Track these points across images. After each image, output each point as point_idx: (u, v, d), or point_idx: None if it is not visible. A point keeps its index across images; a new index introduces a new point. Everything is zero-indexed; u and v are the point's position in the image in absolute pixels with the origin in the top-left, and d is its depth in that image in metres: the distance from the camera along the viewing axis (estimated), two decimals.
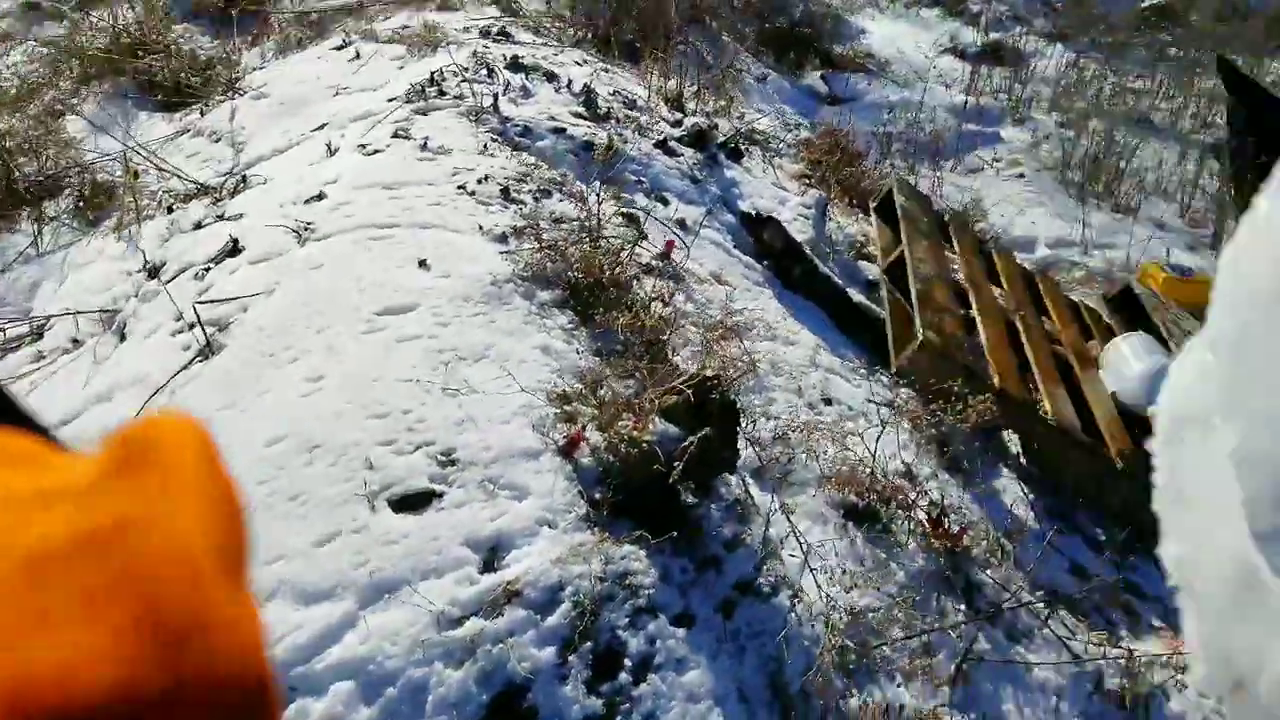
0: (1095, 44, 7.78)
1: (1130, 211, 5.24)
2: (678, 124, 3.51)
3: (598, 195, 2.52)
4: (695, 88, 4.59)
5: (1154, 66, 7.01)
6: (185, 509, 0.31)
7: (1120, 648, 2.31)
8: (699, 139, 3.42)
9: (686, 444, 1.76)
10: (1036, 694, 2.11)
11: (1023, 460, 2.86)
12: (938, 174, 5.40)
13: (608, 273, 2.36)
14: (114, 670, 0.26)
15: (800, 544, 1.97)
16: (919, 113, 5.82)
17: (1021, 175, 5.67)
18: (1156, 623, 2.54)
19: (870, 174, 4.93)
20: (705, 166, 3.35)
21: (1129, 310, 3.65)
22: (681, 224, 2.97)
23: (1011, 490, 2.74)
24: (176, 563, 0.29)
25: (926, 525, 2.29)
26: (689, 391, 1.85)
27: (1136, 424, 3.05)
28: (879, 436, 2.33)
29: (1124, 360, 3.17)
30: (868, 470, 2.31)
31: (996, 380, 2.77)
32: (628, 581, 1.72)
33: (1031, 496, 2.77)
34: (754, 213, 3.12)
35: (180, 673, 0.27)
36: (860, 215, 3.93)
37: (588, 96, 3.29)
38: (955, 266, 3.44)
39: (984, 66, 7.01)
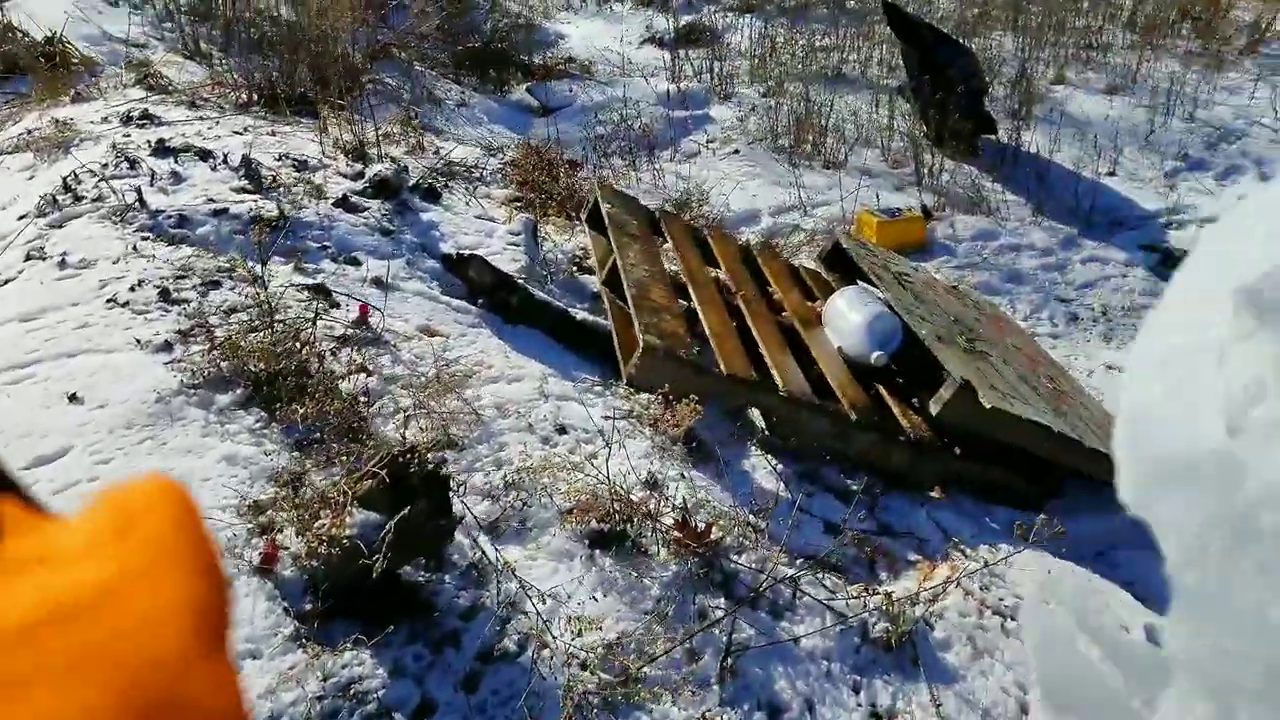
0: (781, 9, 8.19)
1: (839, 165, 5.52)
2: (359, 176, 3.38)
3: (263, 279, 2.36)
4: (384, 130, 4.46)
5: (836, 22, 7.44)
6: (166, 576, 0.30)
7: (879, 593, 2.40)
8: (383, 187, 3.30)
9: (385, 530, 1.67)
10: (807, 664, 2.16)
11: (768, 434, 2.93)
12: (656, 166, 5.50)
13: (293, 357, 2.22)
14: None
15: (537, 594, 1.91)
16: (626, 109, 5.90)
17: (736, 151, 5.87)
18: (912, 556, 2.67)
19: (587, 182, 4.96)
20: (396, 215, 3.24)
21: (843, 265, 3.82)
22: (378, 282, 2.85)
23: (761, 466, 2.80)
24: (156, 635, 0.28)
25: (673, 530, 2.29)
26: (383, 472, 1.75)
27: (869, 374, 3.21)
28: (608, 457, 2.31)
29: (841, 315, 3.32)
30: (608, 491, 2.29)
31: (723, 367, 2.82)
32: (353, 691, 1.61)
33: (780, 467, 2.84)
34: (454, 253, 3.04)
35: None
36: (579, 227, 3.92)
37: (249, 168, 3.10)
38: (675, 260, 3.50)
39: (683, 50, 7.22)
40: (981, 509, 3.03)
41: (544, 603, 1.92)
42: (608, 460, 2.32)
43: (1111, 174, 5.13)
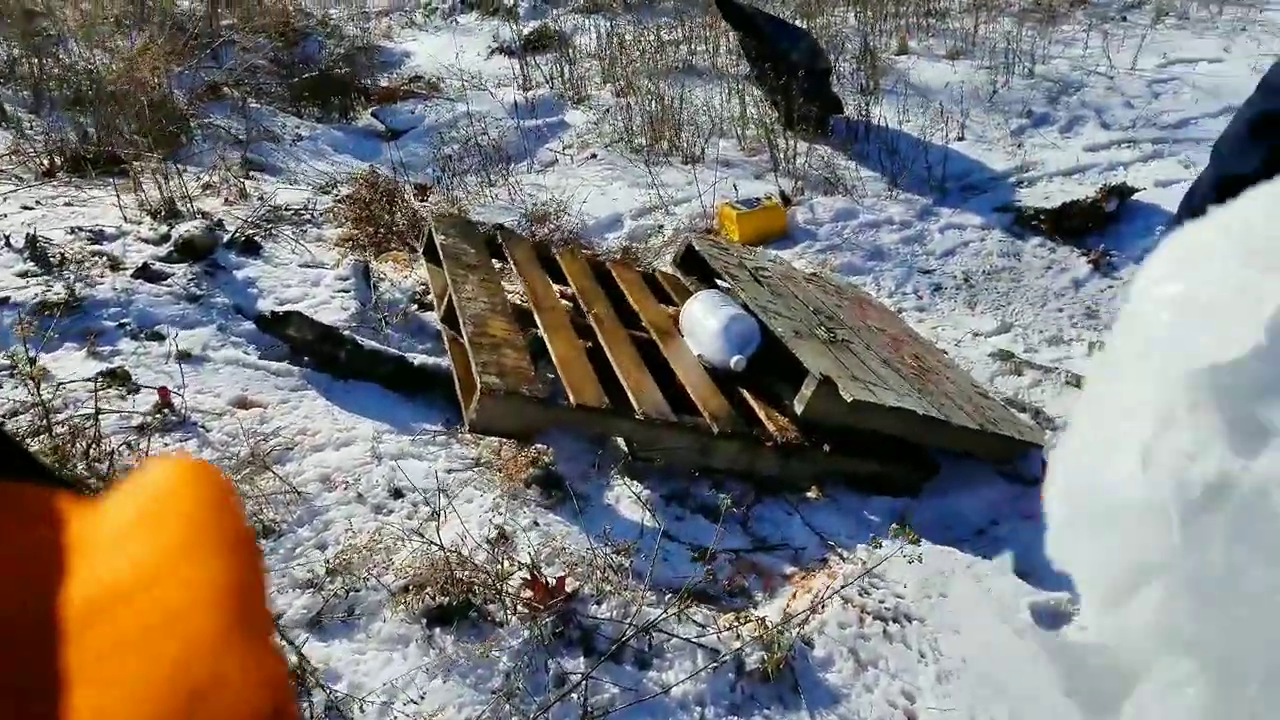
0: (627, 6, 8.08)
1: (697, 160, 5.42)
2: (164, 239, 3.12)
3: (34, 376, 2.11)
4: (206, 181, 4.19)
5: (682, 14, 7.35)
6: (202, 557, 0.31)
7: (753, 619, 2.29)
8: (189, 249, 3.05)
9: None
10: (679, 715, 2.02)
11: (632, 458, 2.78)
12: (513, 180, 5.32)
13: (75, 462, 1.98)
14: None
15: (360, 697, 1.73)
16: (475, 124, 5.70)
17: (594, 156, 5.73)
18: (788, 569, 2.56)
19: (438, 207, 4.75)
20: (207, 277, 2.99)
21: (699, 266, 3.71)
22: (186, 356, 2.61)
23: (625, 495, 2.65)
24: (195, 616, 0.29)
25: (523, 590, 2.13)
26: None
27: (734, 378, 3.09)
28: (439, 523, 2.13)
29: (698, 321, 3.20)
30: (446, 560, 2.11)
31: (572, 397, 2.66)
32: None
33: (646, 493, 2.70)
34: (270, 313, 2.82)
35: None
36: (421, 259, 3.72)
37: (34, 248, 2.82)
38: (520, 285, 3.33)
39: (532, 58, 7.04)
40: (860, 502, 2.95)
41: (371, 705, 1.73)
42: (441, 525, 2.14)
43: (960, 139, 5.15)
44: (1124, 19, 6.34)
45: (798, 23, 6.67)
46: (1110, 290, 3.94)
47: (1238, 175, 1.38)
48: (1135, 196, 4.32)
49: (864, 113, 5.34)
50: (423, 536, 2.10)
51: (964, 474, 3.09)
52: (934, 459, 3.09)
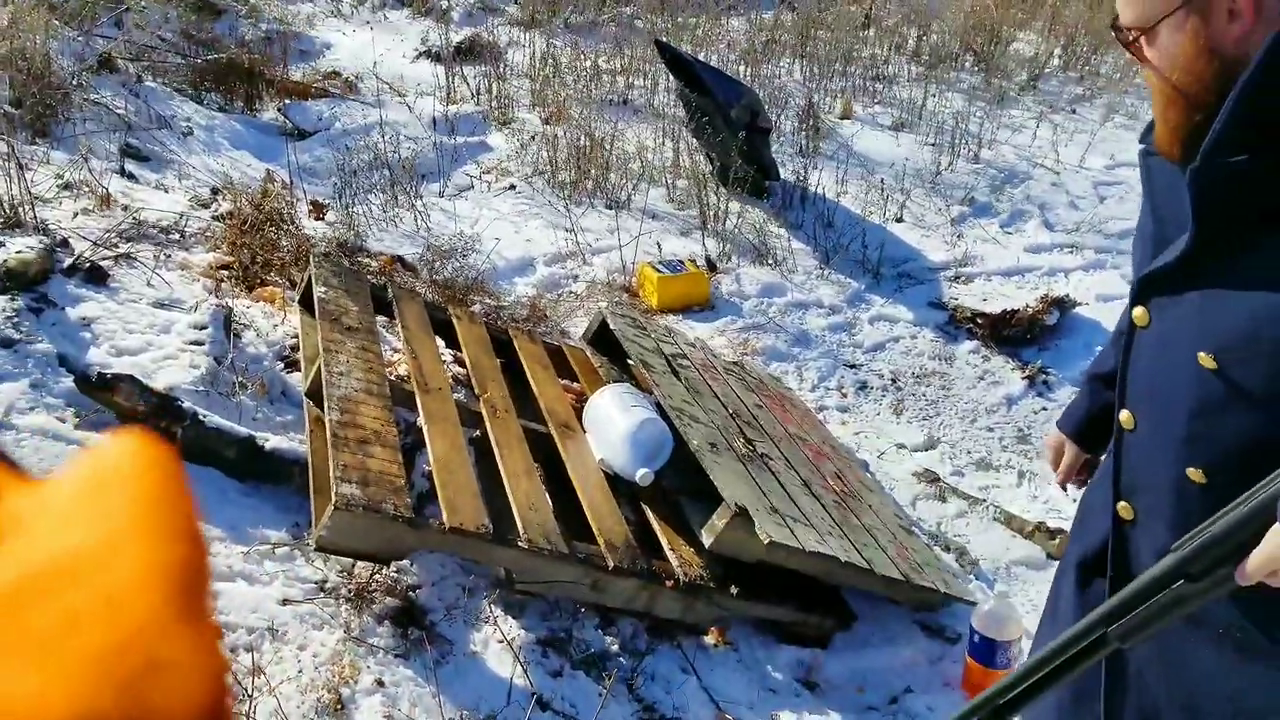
0: (568, 25, 7.68)
1: (622, 206, 5.07)
2: None
3: None
4: (67, 179, 3.63)
5: (621, 44, 6.98)
6: (145, 539, 0.31)
7: None
8: (12, 278, 2.54)
9: None
10: None
11: (510, 590, 2.39)
12: (419, 202, 4.86)
13: None
14: (69, 711, 0.26)
15: None
16: (390, 135, 5.22)
17: (513, 187, 5.32)
18: None
19: (333, 228, 4.28)
20: (30, 315, 2.49)
21: (612, 345, 3.34)
22: None
23: (494, 641, 2.26)
24: (134, 600, 0.29)
25: None
26: None
27: (638, 489, 2.73)
28: (251, 710, 1.70)
29: (604, 421, 2.83)
30: None
31: (446, 518, 2.25)
32: None
33: (521, 636, 2.31)
34: (94, 375, 2.33)
35: (135, 715, 0.26)
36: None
37: None
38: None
39: (461, 67, 6.59)
40: (765, 653, 2.61)
41: None
42: (263, 693, 1.71)
43: (899, 220, 4.91)
44: (1074, 111, 6.23)
45: (742, 69, 6.39)
46: (1044, 413, 3.71)
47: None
48: (1077, 310, 4.13)
49: (802, 178, 5.06)
50: (252, 694, 1.67)
51: (881, 621, 2.79)
52: (850, 607, 2.78)
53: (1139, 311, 1.19)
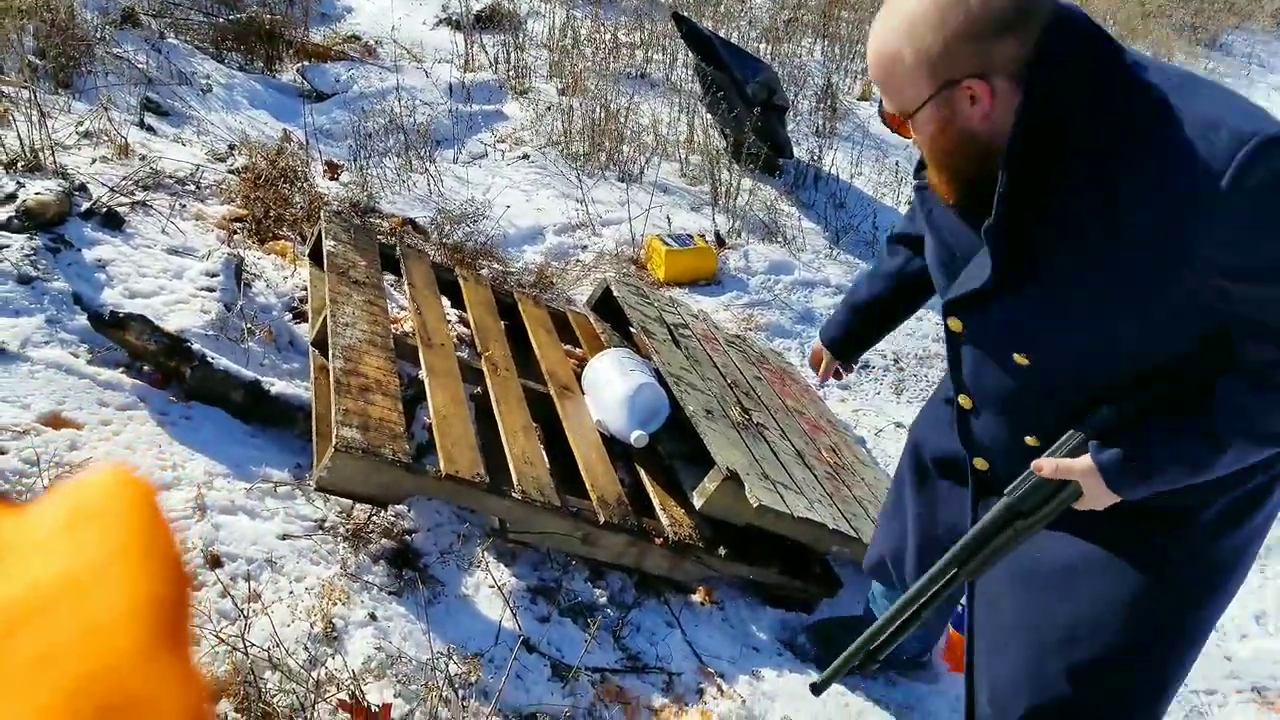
0: None
1: (634, 179, 5.10)
2: (9, 199, 2.66)
3: None
4: (86, 128, 3.69)
5: (641, 17, 6.99)
6: (123, 572, 0.30)
7: None
8: (31, 217, 2.60)
9: None
10: None
11: (503, 538, 2.45)
12: (432, 167, 4.91)
13: None
14: None
15: None
16: (404, 100, 5.26)
17: (526, 156, 5.35)
18: (659, 700, 2.26)
19: (346, 189, 4.33)
20: (48, 254, 2.55)
21: (615, 312, 3.39)
22: (0, 351, 2.19)
23: (486, 585, 2.32)
24: (110, 635, 0.28)
25: (340, 711, 1.78)
26: None
27: (632, 449, 2.79)
28: (245, 629, 1.77)
29: (602, 383, 2.88)
30: (251, 666, 1.75)
31: (443, 465, 2.31)
32: None
33: (512, 582, 2.37)
34: (108, 312, 2.40)
35: None
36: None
37: None
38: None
39: (480, 36, 6.61)
40: (749, 613, 2.67)
41: None
42: (261, 612, 1.78)
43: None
44: None
45: (762, 49, 6.40)
46: None
47: None
48: None
49: (816, 158, 5.08)
50: (225, 642, 1.73)
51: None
52: (836, 574, 2.83)
53: (954, 322, 1.44)
